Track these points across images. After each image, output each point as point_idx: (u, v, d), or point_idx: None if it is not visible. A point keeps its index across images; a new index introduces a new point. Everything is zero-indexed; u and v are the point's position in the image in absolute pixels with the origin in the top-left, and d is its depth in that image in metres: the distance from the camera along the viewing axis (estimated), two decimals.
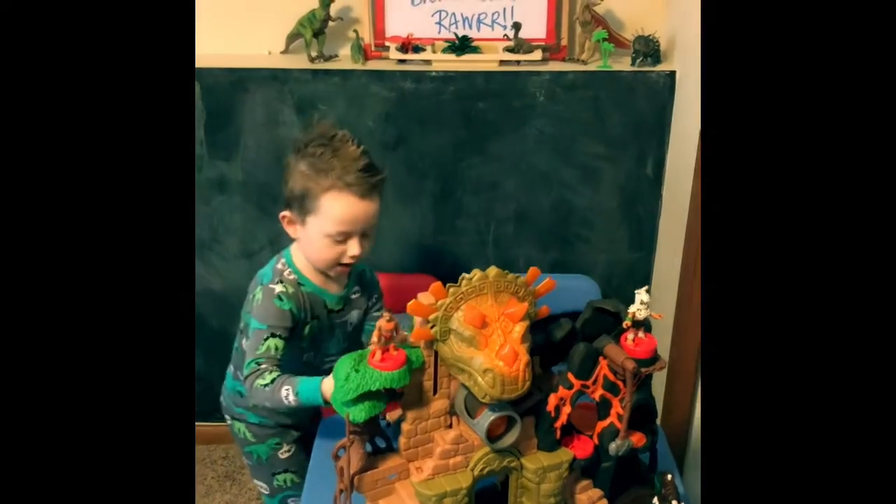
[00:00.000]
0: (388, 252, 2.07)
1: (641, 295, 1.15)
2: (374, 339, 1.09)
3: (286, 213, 1.39)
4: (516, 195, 2.01)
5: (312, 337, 1.46)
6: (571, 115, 1.94)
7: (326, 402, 1.24)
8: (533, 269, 1.14)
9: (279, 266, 1.43)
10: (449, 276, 2.08)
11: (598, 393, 1.19)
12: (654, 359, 1.16)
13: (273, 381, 1.30)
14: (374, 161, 1.36)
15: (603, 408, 1.20)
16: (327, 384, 1.24)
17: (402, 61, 1.91)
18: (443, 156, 1.97)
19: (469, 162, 1.97)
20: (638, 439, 1.22)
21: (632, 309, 1.16)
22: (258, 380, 1.32)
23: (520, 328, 1.09)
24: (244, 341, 1.43)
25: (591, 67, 1.92)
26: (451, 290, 1.08)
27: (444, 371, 1.15)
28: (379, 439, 1.19)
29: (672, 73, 1.90)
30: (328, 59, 1.94)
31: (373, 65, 1.91)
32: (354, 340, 1.54)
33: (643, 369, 1.14)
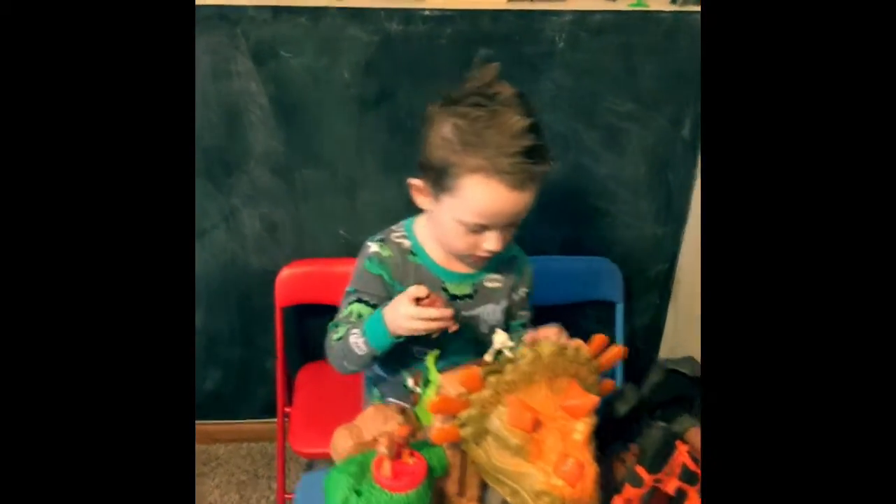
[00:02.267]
0: (370, 231, 1.74)
1: None
2: (383, 448, 0.79)
3: (416, 181, 1.12)
4: None
5: None
6: (596, 66, 1.60)
7: (396, 336, 1.04)
8: (599, 337, 0.85)
9: (395, 226, 1.20)
10: None
11: (674, 486, 0.92)
12: None
13: (345, 333, 1.10)
14: (542, 140, 1.03)
15: (678, 502, 0.94)
16: (389, 310, 1.03)
17: None
18: None
19: None
20: None
21: None
22: (332, 335, 1.13)
23: (584, 427, 0.80)
24: None
25: (622, 6, 1.58)
26: (491, 379, 0.78)
27: (474, 469, 0.87)
28: None
29: None
30: None
31: (350, 0, 1.54)
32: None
33: None
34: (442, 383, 0.84)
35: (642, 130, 1.68)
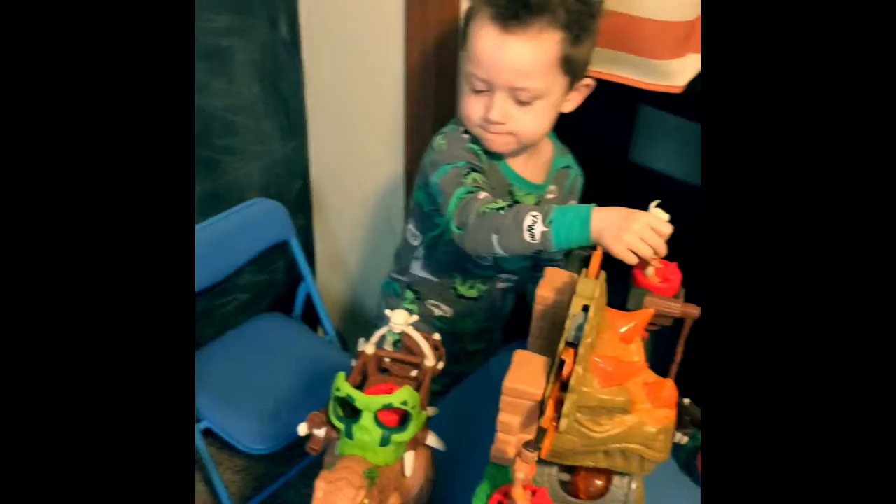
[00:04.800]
0: None
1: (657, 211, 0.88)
2: None
3: None
4: None
5: None
6: None
7: (593, 242, 0.90)
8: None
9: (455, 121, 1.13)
10: None
11: None
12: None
13: (510, 205, 0.97)
14: None
15: None
16: (601, 216, 0.90)
17: None
18: None
19: None
20: None
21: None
22: (487, 205, 0.98)
23: (637, 346, 0.74)
24: (413, 224, 1.20)
25: None
26: (580, 351, 0.65)
27: None
28: None
29: None
30: None
31: None
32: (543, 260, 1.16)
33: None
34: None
35: (246, 44, 1.47)
